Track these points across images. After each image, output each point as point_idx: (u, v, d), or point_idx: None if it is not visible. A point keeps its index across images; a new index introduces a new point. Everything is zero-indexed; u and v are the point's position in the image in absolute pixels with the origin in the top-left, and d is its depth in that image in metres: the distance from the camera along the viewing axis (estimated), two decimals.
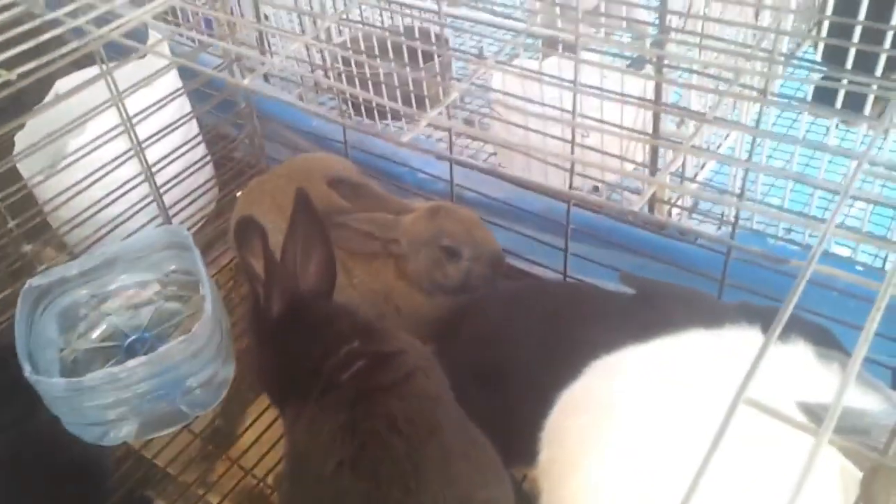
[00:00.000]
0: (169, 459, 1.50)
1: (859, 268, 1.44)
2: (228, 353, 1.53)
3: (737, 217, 1.34)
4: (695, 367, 0.97)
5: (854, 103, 1.47)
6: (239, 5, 2.25)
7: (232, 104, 1.95)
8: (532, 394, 1.09)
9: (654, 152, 1.61)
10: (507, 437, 1.22)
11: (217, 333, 1.45)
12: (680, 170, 1.78)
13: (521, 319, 1.32)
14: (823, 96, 1.67)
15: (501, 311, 1.37)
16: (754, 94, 1.12)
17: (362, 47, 2.28)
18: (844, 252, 1.58)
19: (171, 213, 1.78)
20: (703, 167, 1.93)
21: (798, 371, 0.95)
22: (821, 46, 1.60)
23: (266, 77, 2.34)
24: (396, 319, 1.49)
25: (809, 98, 1.70)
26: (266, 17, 2.25)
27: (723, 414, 0.71)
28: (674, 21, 1.50)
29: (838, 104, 1.42)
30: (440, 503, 0.94)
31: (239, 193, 1.79)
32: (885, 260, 1.55)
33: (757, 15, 1.50)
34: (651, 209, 1.75)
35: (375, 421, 0.97)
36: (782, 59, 0.97)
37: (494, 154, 2.18)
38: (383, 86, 2.14)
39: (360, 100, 2.16)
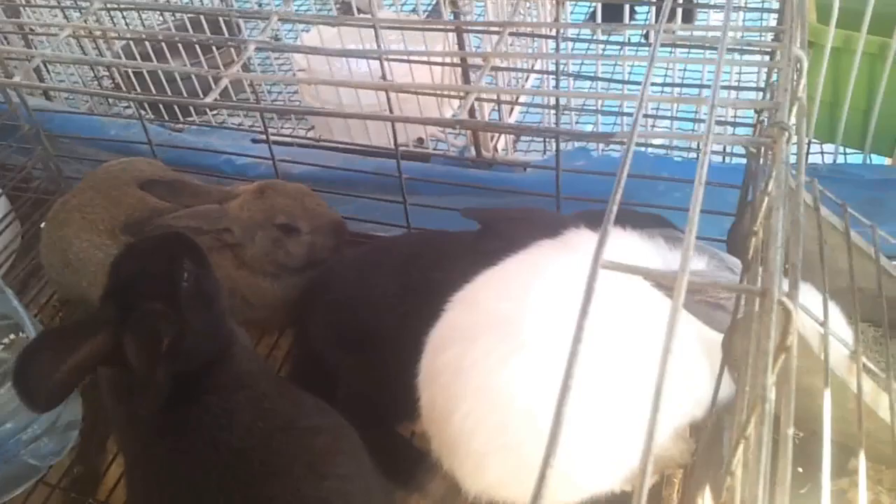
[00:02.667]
0: None
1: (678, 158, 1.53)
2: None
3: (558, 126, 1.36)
4: (545, 274, 0.98)
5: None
6: None
7: (14, 129, 1.77)
8: (399, 347, 1.07)
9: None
10: (386, 395, 1.19)
11: None
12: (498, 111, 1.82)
13: (374, 277, 1.29)
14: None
15: (353, 274, 1.34)
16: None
17: (148, 48, 2.14)
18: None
19: None
20: (511, 111, 1.96)
21: (638, 250, 1.00)
22: None
23: (48, 96, 2.14)
24: (247, 311, 1.42)
25: (600, 18, 1.77)
26: (32, 29, 2.05)
27: (582, 292, 0.71)
28: None
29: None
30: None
31: (43, 224, 1.62)
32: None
33: None
34: (478, 151, 1.76)
35: None
36: None
37: (312, 128, 2.11)
38: (179, 82, 2.02)
39: (157, 98, 2.02)
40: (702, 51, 1.25)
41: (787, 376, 0.56)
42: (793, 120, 0.69)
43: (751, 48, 0.98)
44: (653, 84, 1.71)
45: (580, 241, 1.01)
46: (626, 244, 1.01)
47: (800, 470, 1.18)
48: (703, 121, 1.59)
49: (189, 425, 0.99)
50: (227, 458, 0.96)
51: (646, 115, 1.54)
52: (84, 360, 0.96)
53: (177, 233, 1.16)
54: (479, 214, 1.23)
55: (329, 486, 0.96)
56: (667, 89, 1.43)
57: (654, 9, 1.46)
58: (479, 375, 0.93)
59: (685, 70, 1.85)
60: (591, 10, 2.18)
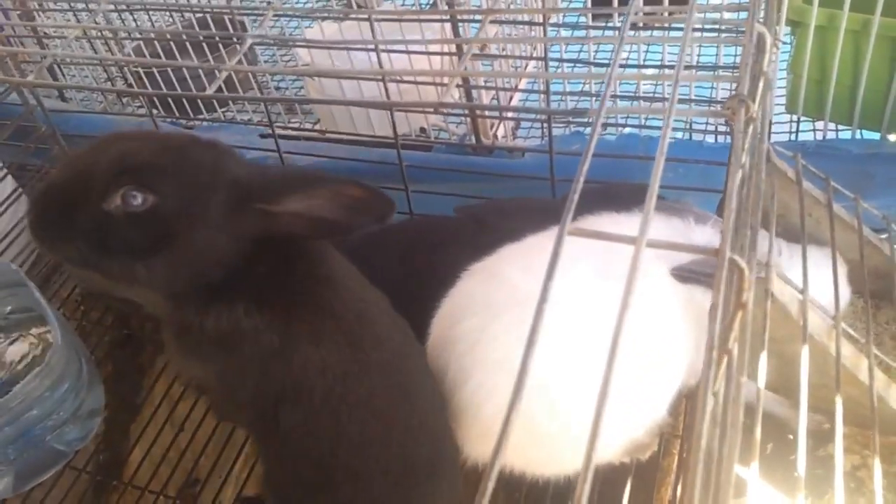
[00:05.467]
0: None
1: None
2: (94, 381, 1.47)
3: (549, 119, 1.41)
4: (567, 256, 1.03)
5: None
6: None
7: (31, 131, 1.84)
8: (411, 326, 1.13)
9: (468, 89, 1.66)
10: None
11: (74, 362, 1.39)
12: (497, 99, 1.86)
13: (376, 261, 1.34)
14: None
15: (357, 261, 1.39)
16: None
17: (158, 48, 2.20)
18: None
19: None
20: (511, 99, 2.00)
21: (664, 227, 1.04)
22: None
23: (63, 96, 2.21)
24: None
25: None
26: (46, 35, 2.12)
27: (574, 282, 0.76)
28: None
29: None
30: None
31: None
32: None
33: None
34: (477, 138, 1.81)
35: None
36: None
37: (318, 122, 2.17)
38: (189, 80, 2.08)
39: (169, 100, 2.09)
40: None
41: (743, 331, 0.61)
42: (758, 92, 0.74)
43: (725, 27, 1.02)
44: (647, 66, 1.76)
45: (601, 224, 1.06)
46: (654, 224, 1.06)
47: (790, 437, 1.22)
48: (696, 100, 1.64)
49: None
50: None
51: (639, 97, 1.58)
52: None
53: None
54: (470, 212, 1.29)
55: None
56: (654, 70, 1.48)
57: None
58: (499, 349, 0.98)
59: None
60: None
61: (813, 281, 1.00)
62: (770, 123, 1.68)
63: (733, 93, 0.69)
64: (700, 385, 0.50)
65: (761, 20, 0.84)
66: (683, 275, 0.97)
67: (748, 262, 0.59)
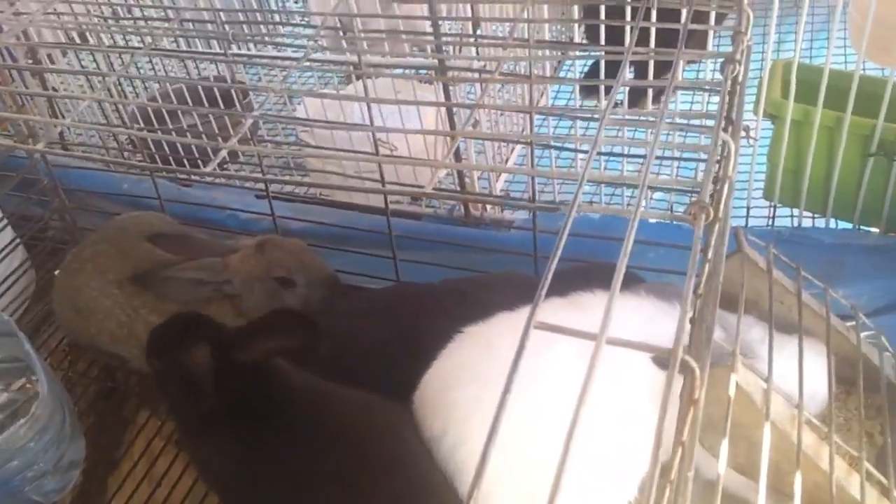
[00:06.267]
0: None
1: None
2: (75, 432, 1.48)
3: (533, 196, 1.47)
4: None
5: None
6: (23, 83, 2.18)
7: (33, 183, 1.89)
8: (385, 388, 1.17)
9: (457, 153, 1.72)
10: None
11: (59, 413, 1.40)
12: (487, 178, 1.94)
13: (364, 325, 1.38)
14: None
15: (345, 325, 1.42)
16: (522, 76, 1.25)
17: (162, 108, 2.28)
18: None
19: None
20: (499, 177, 2.08)
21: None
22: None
23: (65, 146, 2.27)
24: None
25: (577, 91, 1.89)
26: (55, 89, 2.19)
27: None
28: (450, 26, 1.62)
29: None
30: None
31: (57, 272, 1.73)
32: None
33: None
34: (466, 212, 1.86)
35: None
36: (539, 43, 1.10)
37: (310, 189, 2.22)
38: (189, 136, 2.15)
39: (168, 154, 2.14)
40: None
41: (693, 426, 0.64)
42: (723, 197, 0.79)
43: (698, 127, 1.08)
44: (632, 156, 1.82)
45: (588, 302, 1.11)
46: (641, 309, 1.12)
47: None
48: (678, 185, 1.70)
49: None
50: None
51: (622, 183, 1.64)
52: None
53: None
54: (454, 285, 1.34)
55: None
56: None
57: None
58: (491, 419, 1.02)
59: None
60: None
61: (796, 371, 1.05)
62: (748, 209, 1.75)
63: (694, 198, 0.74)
64: (647, 474, 0.54)
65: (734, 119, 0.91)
66: (664, 361, 1.01)
67: (701, 362, 0.63)
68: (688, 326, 0.64)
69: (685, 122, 0.82)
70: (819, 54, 2.25)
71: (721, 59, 0.92)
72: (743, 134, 1.39)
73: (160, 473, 1.52)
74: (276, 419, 1.15)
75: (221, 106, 2.17)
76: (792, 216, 1.74)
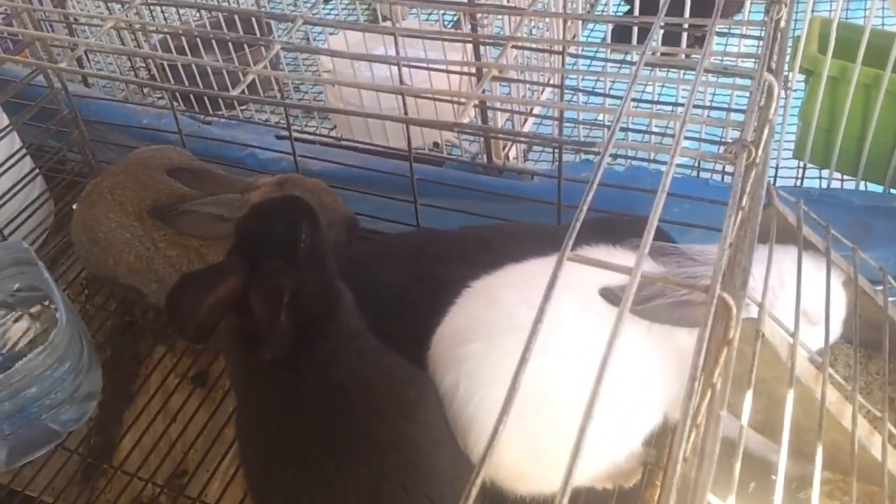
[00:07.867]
0: (44, 485, 1.43)
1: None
2: (93, 364, 1.49)
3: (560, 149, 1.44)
4: (564, 285, 1.07)
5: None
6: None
7: (53, 113, 1.87)
8: (401, 334, 1.16)
9: (484, 110, 1.69)
10: None
11: (76, 343, 1.41)
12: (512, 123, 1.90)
13: (380, 270, 1.37)
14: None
15: (364, 267, 1.41)
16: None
17: (184, 42, 2.24)
18: None
19: (6, 231, 1.70)
20: (525, 122, 2.04)
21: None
22: None
23: (86, 83, 2.25)
24: None
25: (609, 38, 1.84)
26: (76, 21, 2.16)
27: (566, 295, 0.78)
28: None
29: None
30: None
31: (75, 205, 1.72)
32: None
33: None
34: (489, 158, 1.84)
35: None
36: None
37: (335, 128, 2.20)
38: (211, 76, 2.12)
39: (190, 95, 2.12)
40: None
41: (727, 367, 0.63)
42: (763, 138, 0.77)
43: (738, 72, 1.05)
44: (661, 103, 1.79)
45: (597, 255, 1.10)
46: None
47: (773, 478, 1.23)
48: (707, 140, 1.67)
49: (302, 364, 1.10)
50: (333, 393, 1.07)
51: (650, 132, 1.61)
52: (221, 299, 1.07)
53: (296, 197, 1.28)
54: (475, 232, 1.33)
55: (418, 429, 1.07)
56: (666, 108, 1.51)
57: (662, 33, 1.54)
58: (500, 369, 1.04)
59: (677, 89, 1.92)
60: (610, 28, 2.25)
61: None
62: (777, 168, 1.72)
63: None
64: (681, 414, 0.53)
65: (774, 67, 0.87)
66: (609, 297, 1.00)
67: (737, 301, 0.61)
68: (724, 262, 0.62)
69: (732, 62, 0.79)
70: (855, 16, 2.19)
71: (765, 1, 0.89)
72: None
73: (175, 408, 1.53)
74: (322, 370, 1.10)
75: (245, 47, 2.14)
76: (820, 178, 1.70)
